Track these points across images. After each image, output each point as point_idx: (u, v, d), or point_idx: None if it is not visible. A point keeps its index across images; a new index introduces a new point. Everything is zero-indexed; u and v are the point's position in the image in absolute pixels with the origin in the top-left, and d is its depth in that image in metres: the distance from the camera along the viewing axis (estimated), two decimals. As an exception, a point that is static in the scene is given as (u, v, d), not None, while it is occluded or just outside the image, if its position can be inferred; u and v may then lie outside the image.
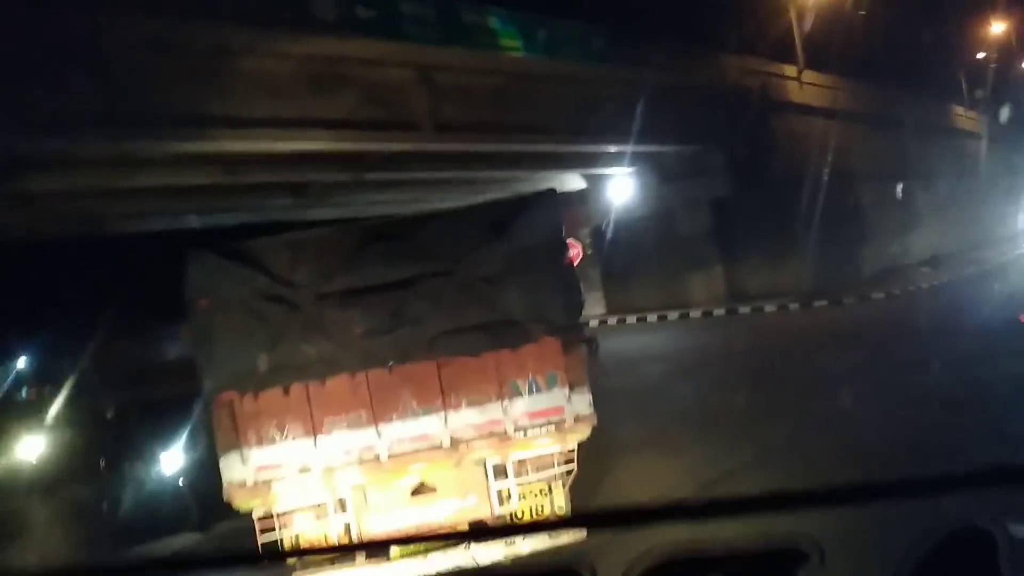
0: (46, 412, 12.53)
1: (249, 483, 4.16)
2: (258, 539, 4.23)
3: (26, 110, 9.40)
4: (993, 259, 21.96)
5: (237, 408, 4.18)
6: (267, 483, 4.17)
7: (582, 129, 15.83)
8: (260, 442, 4.18)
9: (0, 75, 8.98)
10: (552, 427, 4.36)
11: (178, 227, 16.49)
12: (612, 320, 20.98)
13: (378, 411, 4.26)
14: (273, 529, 4.21)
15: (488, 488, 4.36)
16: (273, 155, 13.08)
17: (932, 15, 26.45)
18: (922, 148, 24.85)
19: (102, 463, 9.64)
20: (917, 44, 25.85)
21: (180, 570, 1.95)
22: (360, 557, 3.99)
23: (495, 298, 4.38)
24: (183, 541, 6.30)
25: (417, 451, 4.29)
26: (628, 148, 16.89)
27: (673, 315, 19.58)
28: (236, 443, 4.16)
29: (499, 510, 4.37)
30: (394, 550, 4.05)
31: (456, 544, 3.99)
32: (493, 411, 4.34)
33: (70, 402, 12.98)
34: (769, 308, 17.94)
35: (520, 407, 4.36)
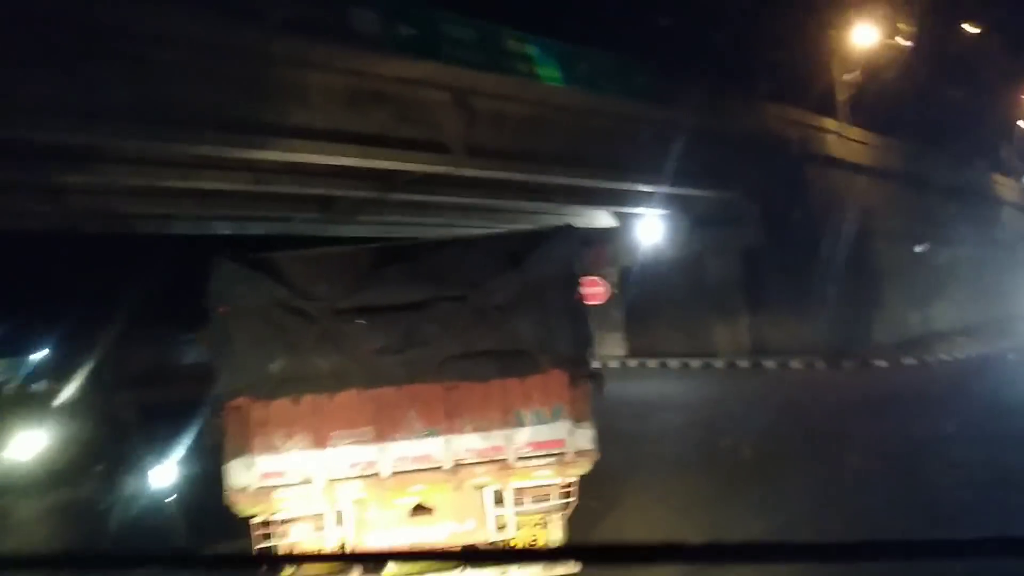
0: (59, 405, 12.43)
1: (252, 489, 4.18)
2: (254, 545, 4.25)
3: (61, 101, 9.42)
4: (1029, 332, 21.13)
5: (247, 414, 4.24)
6: (270, 490, 4.20)
7: (615, 165, 15.63)
8: (267, 449, 4.22)
9: (36, 64, 9.03)
10: (553, 459, 4.38)
11: (200, 232, 16.48)
12: (633, 363, 20.50)
13: (383, 429, 4.31)
14: (270, 536, 4.26)
15: (486, 514, 4.39)
16: (302, 166, 13.01)
17: (972, 80, 26.10)
18: (957, 212, 24.25)
19: (103, 463, 9.48)
20: (956, 107, 25.50)
21: (178, 566, 1.91)
22: (355, 572, 4.09)
23: (506, 327, 4.45)
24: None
25: (418, 471, 4.32)
26: (661, 189, 16.66)
27: (696, 363, 19.05)
28: (244, 449, 4.20)
29: (495, 537, 4.39)
30: (388, 568, 4.07)
31: (450, 568, 4.05)
32: (496, 438, 4.36)
33: (82, 398, 12.87)
34: (795, 364, 17.39)
35: (523, 437, 4.38)
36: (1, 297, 23.13)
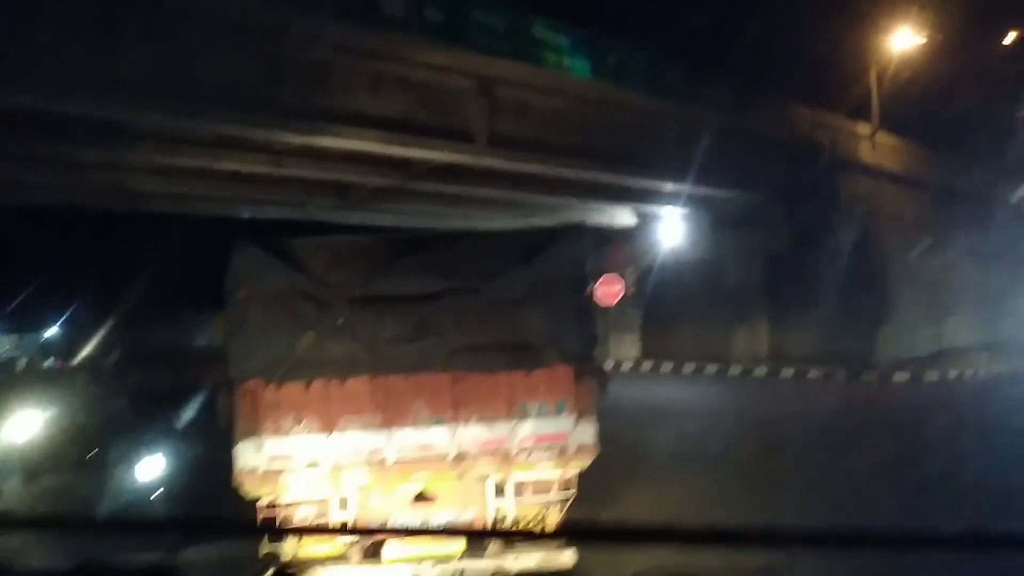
0: (65, 384, 12.31)
1: (261, 471, 4.28)
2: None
3: (81, 72, 9.24)
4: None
5: (259, 397, 4.32)
6: (277, 473, 4.29)
7: (639, 162, 15.30)
8: (277, 432, 4.31)
9: (58, 33, 8.86)
10: (555, 452, 4.50)
11: (215, 213, 16.35)
12: (646, 365, 20.17)
13: (391, 416, 4.40)
14: (275, 519, 4.37)
15: (486, 504, 4.51)
16: (322, 150, 12.80)
17: (1013, 92, 25.41)
18: (989, 226, 23.70)
19: (100, 448, 9.29)
20: (993, 119, 24.81)
21: (183, 531, 1.92)
22: (355, 556, 4.24)
23: (515, 321, 4.55)
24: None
25: (423, 459, 4.42)
26: (685, 188, 16.29)
27: (711, 368, 18.68)
28: (254, 430, 4.29)
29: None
30: (387, 553, 4.22)
31: (448, 556, 4.21)
32: (500, 430, 4.46)
33: (89, 377, 12.74)
34: (813, 374, 17.00)
35: (527, 429, 4.49)
36: (14, 272, 23.16)
